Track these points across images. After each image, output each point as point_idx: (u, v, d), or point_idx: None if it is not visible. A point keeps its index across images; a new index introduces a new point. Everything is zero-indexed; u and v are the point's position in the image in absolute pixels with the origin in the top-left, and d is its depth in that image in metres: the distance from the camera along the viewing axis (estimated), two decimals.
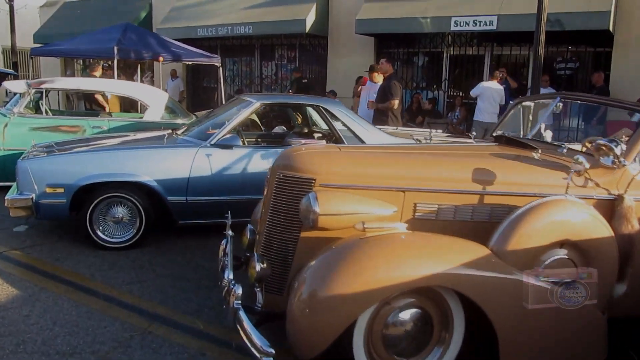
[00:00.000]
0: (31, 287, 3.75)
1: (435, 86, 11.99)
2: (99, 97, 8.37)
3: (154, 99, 7.21)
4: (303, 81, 12.29)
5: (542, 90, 9.55)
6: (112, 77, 10.00)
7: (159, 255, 4.56)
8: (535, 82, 7.13)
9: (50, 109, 7.14)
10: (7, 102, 7.78)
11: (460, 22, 10.24)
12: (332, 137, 5.44)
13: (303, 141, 4.89)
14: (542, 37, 7.00)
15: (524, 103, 4.30)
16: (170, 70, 14.54)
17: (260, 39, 13.89)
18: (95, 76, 9.35)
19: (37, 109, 7.03)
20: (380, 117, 7.48)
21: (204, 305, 3.63)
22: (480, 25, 10.07)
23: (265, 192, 3.15)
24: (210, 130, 5.29)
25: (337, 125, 5.26)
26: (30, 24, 18.84)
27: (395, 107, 7.36)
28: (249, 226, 3.46)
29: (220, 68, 12.44)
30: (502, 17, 9.81)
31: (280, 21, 12.16)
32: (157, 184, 4.59)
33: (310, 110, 6.57)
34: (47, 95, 6.91)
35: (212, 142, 4.79)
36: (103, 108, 8.82)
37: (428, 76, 12.29)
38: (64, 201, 4.45)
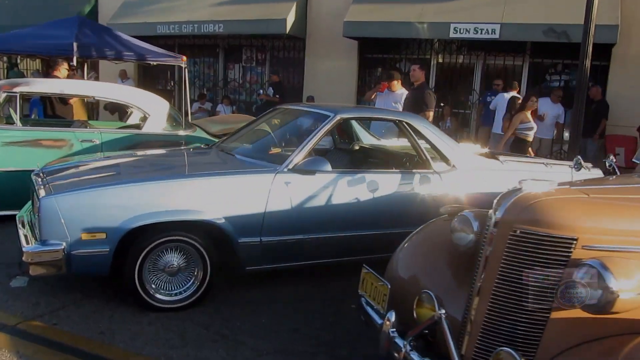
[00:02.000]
0: None
1: None
2: (75, 102, 6.97)
3: (155, 107, 5.97)
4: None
5: (552, 106, 9.19)
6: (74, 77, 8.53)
7: (233, 318, 3.46)
8: (582, 95, 6.63)
9: (21, 119, 5.69)
10: None
11: (460, 29, 9.70)
12: (413, 157, 4.58)
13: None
14: (589, 49, 6.50)
15: None
16: (120, 70, 12.98)
17: (226, 39, 12.70)
18: (57, 77, 7.82)
19: (6, 118, 5.59)
20: None
21: None
22: (481, 34, 9.58)
23: (486, 253, 2.23)
24: (273, 149, 4.26)
25: (422, 143, 4.41)
26: None
27: (430, 119, 6.61)
28: (429, 291, 2.51)
29: (185, 69, 11.21)
30: (505, 25, 9.37)
31: (257, 20, 11.09)
32: (226, 222, 3.50)
33: (354, 124, 5.65)
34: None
35: (291, 167, 3.75)
36: (71, 115, 7.40)
37: None
38: (107, 251, 3.24)
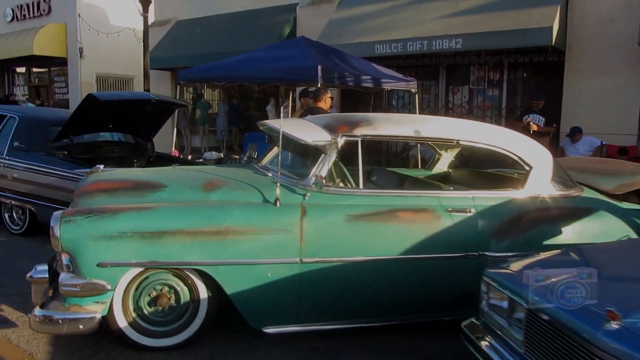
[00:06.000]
0: None
1: None
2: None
3: (538, 158, 3.91)
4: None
5: None
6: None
7: None
8: None
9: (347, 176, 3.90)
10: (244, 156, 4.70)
11: None
12: None
13: None
14: None
15: None
16: None
17: (452, 57, 10.66)
18: (323, 109, 6.18)
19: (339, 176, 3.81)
20: None
21: None
22: None
23: None
24: None
25: None
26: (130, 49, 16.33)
27: None
28: None
29: (417, 95, 9.33)
30: None
31: (509, 31, 8.87)
32: None
33: None
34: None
35: None
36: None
37: None
38: None
